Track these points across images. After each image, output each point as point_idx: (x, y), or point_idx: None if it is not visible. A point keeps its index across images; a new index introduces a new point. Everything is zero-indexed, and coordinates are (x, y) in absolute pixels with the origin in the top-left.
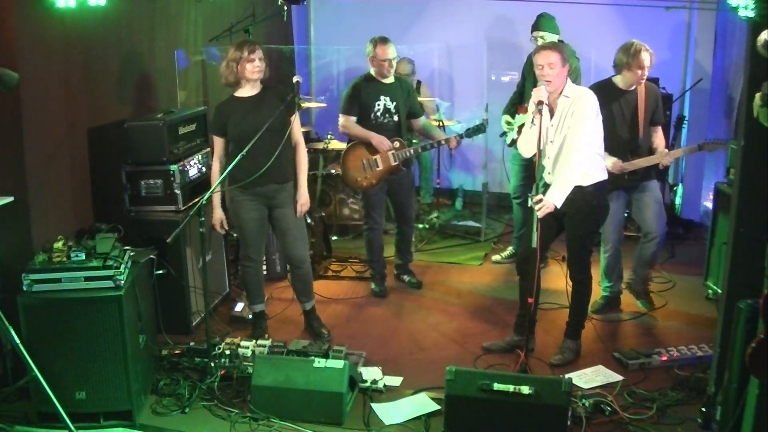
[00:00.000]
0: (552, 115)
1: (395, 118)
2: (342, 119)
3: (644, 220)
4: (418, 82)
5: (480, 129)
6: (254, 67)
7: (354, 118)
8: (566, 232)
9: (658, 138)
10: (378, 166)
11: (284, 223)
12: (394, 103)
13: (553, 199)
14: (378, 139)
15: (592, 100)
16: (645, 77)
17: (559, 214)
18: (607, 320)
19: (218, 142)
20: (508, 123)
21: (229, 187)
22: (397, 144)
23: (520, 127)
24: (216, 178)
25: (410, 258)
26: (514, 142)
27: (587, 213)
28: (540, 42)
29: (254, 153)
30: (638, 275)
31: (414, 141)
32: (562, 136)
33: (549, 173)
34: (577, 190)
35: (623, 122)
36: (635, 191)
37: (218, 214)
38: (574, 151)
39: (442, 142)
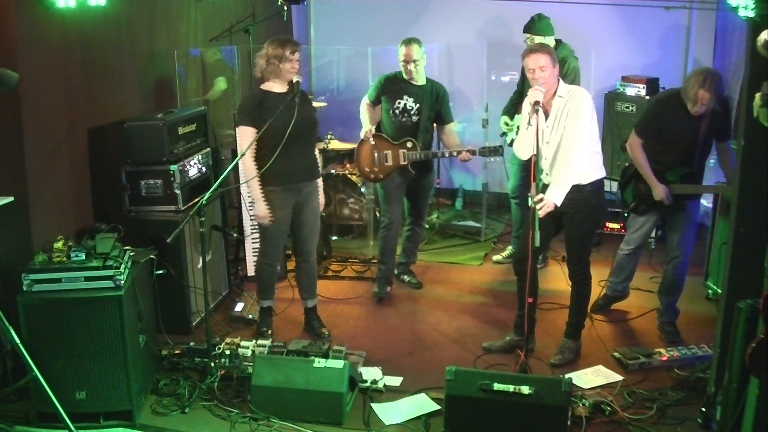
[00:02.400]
0: (547, 116)
1: (414, 119)
2: (363, 101)
3: (671, 240)
4: None
5: (497, 151)
6: (292, 68)
7: (374, 106)
8: (565, 232)
9: (727, 159)
10: (387, 161)
11: (305, 217)
12: (418, 105)
13: (553, 197)
14: (364, 129)
15: (586, 98)
16: (702, 112)
17: (558, 214)
18: (608, 320)
19: (250, 133)
20: (507, 124)
21: (265, 187)
22: (409, 144)
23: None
24: (251, 171)
25: (413, 259)
26: (513, 142)
27: (588, 213)
28: (530, 44)
29: (288, 151)
30: (661, 303)
31: None
32: (558, 137)
33: (546, 174)
34: (576, 189)
35: (676, 143)
36: (675, 209)
37: (264, 206)
38: (571, 150)
39: (454, 153)
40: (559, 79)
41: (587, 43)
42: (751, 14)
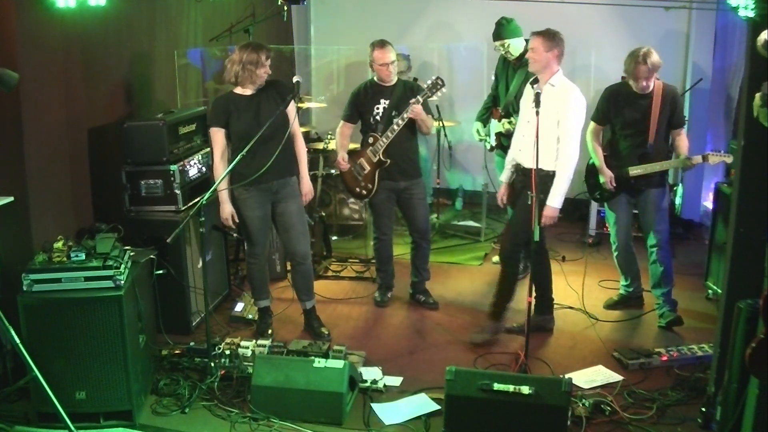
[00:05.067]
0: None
1: (395, 120)
2: (339, 125)
3: (645, 230)
4: (415, 80)
5: (437, 84)
6: (265, 72)
7: (352, 125)
8: (515, 211)
9: (681, 141)
10: (365, 169)
11: (288, 218)
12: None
13: (553, 203)
14: (338, 155)
15: (574, 97)
16: (647, 87)
17: (519, 192)
18: (608, 320)
19: (219, 135)
20: (479, 132)
21: (233, 186)
22: (371, 140)
23: (498, 134)
24: (219, 173)
25: (426, 276)
26: (494, 148)
27: (547, 194)
28: (501, 51)
29: (258, 150)
30: (657, 297)
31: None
32: (539, 120)
33: (519, 150)
34: (544, 173)
35: (633, 127)
36: (640, 195)
37: (228, 208)
38: (566, 146)
39: (405, 116)
40: (559, 69)
41: (587, 43)
42: (751, 14)
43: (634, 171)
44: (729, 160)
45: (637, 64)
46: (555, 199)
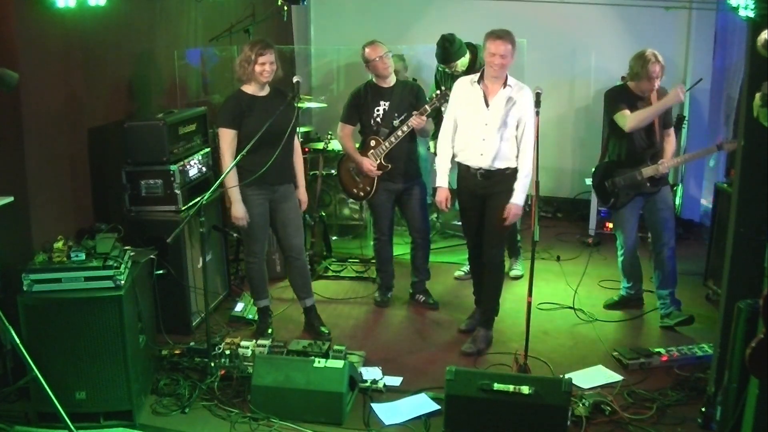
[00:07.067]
0: (486, 99)
1: (394, 122)
2: (339, 127)
3: (656, 229)
4: (414, 80)
5: (444, 96)
6: (263, 70)
7: (352, 127)
8: (488, 213)
9: (668, 144)
10: (364, 171)
11: (287, 214)
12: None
13: (521, 200)
14: (359, 160)
15: (532, 96)
16: (656, 86)
17: (483, 196)
18: (608, 320)
19: (229, 135)
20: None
21: (241, 183)
22: (372, 143)
23: None
24: (231, 174)
25: (426, 276)
26: None
27: (509, 191)
28: (448, 71)
29: (266, 150)
30: (663, 298)
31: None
32: (501, 123)
33: (481, 155)
34: (500, 173)
35: (641, 129)
36: (653, 195)
37: (241, 208)
38: (528, 149)
39: (408, 124)
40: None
41: (587, 43)
42: (751, 14)
43: (648, 172)
44: None
45: (651, 64)
46: (521, 197)
